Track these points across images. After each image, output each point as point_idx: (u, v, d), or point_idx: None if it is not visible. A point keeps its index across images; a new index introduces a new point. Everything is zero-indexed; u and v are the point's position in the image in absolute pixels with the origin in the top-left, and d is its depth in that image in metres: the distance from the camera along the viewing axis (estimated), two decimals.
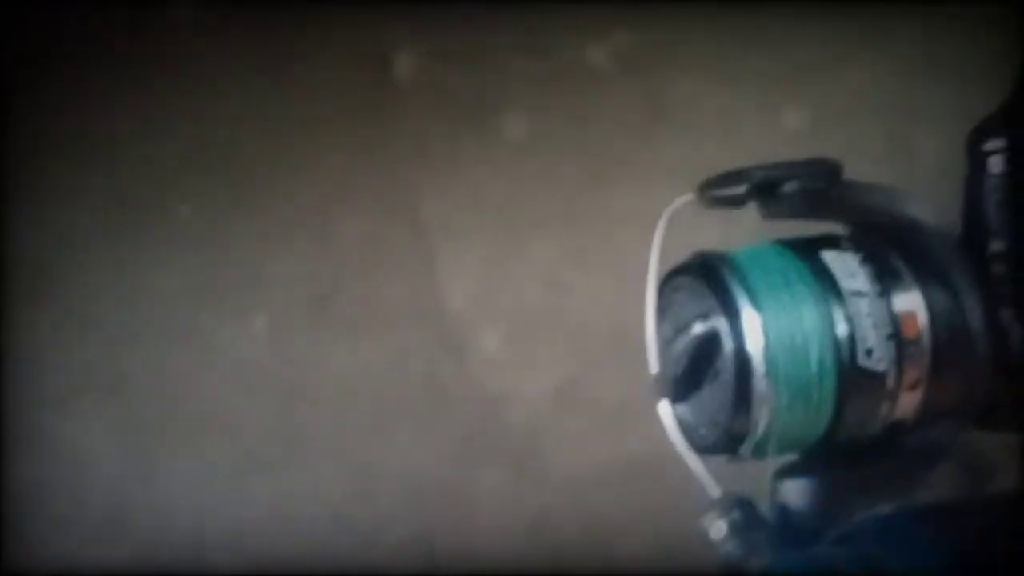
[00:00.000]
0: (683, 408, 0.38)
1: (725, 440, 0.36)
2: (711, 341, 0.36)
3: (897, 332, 0.37)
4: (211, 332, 0.73)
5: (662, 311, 0.40)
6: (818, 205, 0.38)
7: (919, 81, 0.76)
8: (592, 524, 0.71)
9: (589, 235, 0.77)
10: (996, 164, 0.40)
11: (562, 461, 0.71)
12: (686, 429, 0.38)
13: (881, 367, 0.36)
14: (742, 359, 0.36)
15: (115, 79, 0.76)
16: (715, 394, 0.37)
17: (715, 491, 0.37)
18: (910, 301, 0.38)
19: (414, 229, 0.77)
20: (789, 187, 0.37)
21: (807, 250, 0.38)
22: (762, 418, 0.35)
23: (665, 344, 0.38)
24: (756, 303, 0.36)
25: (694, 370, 0.37)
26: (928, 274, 0.38)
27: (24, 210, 0.75)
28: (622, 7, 0.79)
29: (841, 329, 0.36)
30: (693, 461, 0.37)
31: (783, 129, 0.78)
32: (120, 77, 0.77)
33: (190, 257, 0.75)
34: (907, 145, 0.75)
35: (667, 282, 0.40)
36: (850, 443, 0.37)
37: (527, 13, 0.82)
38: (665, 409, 0.38)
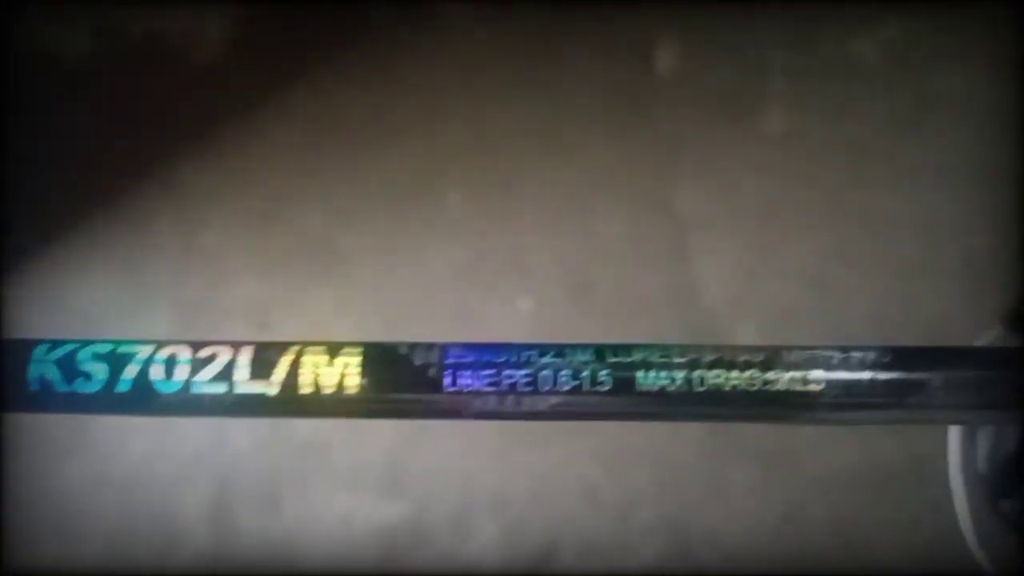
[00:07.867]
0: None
1: None
2: None
3: None
4: (479, 314, 0.78)
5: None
6: None
7: None
8: (841, 526, 0.72)
9: (852, 234, 0.76)
10: None
11: (812, 459, 0.72)
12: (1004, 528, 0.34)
13: None
14: None
15: (398, 77, 0.83)
16: None
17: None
18: None
19: (669, 222, 0.79)
20: None
21: None
22: None
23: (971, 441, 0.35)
24: None
25: None
26: None
27: (308, 193, 0.82)
28: None
29: None
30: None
31: None
32: (401, 75, 0.83)
33: (458, 241, 0.80)
34: None
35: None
36: None
37: (790, 5, 0.82)
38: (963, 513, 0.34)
